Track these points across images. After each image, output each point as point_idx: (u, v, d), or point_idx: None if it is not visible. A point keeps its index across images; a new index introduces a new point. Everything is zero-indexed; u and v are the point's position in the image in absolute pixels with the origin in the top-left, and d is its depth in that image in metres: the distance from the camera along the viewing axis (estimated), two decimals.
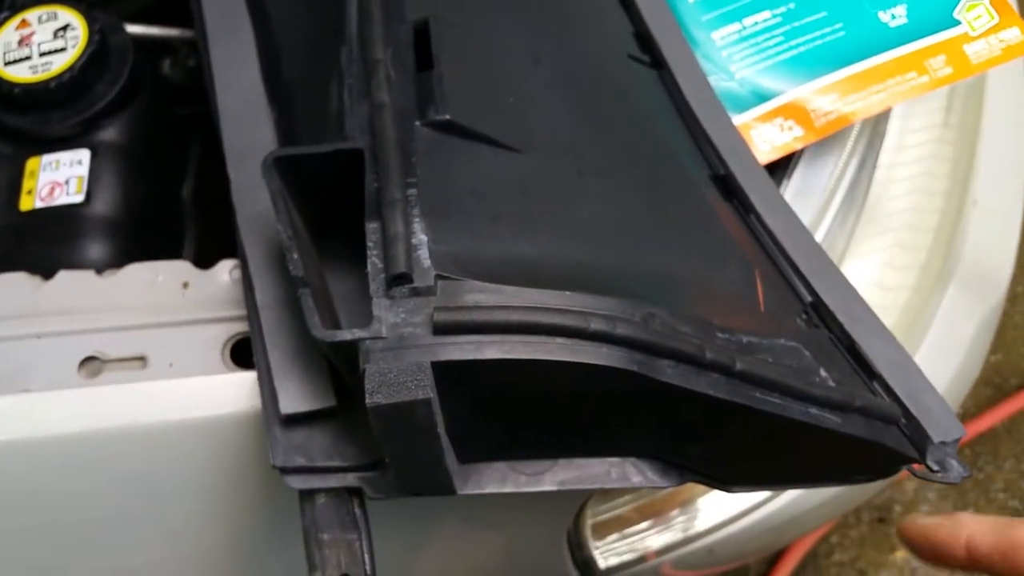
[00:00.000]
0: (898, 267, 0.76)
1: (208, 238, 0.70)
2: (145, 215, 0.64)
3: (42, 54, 0.62)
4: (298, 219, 0.43)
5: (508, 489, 0.44)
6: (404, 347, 0.37)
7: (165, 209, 0.68)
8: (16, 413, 0.49)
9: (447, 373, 0.37)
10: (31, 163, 0.62)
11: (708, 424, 0.42)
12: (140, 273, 0.55)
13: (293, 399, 0.43)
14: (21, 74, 0.61)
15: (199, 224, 0.71)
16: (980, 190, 0.87)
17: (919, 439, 0.45)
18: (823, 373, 0.44)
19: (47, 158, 0.62)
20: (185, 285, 0.55)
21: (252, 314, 0.45)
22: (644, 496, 0.70)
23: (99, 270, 0.55)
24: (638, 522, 0.71)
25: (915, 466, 0.45)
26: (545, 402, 0.41)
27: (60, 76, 0.61)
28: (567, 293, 0.39)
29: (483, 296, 0.38)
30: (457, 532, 0.59)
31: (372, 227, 0.39)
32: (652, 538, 0.71)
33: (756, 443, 0.44)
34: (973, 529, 0.39)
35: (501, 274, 0.39)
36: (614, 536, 0.70)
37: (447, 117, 0.43)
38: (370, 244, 0.39)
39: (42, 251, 0.59)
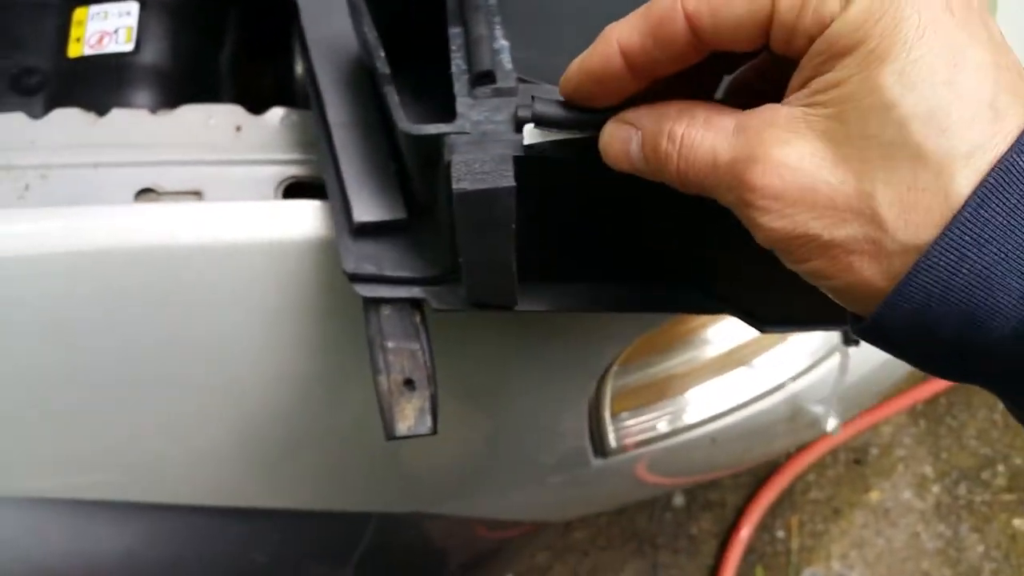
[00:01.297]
0: None
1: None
2: (190, 70, 0.65)
3: None
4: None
5: (564, 308, 0.46)
6: (488, 141, 0.38)
7: (206, 69, 0.69)
8: (79, 225, 0.49)
9: (522, 171, 0.39)
10: (79, 12, 0.63)
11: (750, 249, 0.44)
12: (193, 113, 0.56)
13: (366, 209, 0.44)
14: None
15: (235, 92, 0.72)
16: None
17: None
18: None
19: (95, 8, 0.63)
20: (238, 128, 0.56)
21: (322, 134, 0.47)
22: (659, 374, 0.73)
23: (152, 110, 0.56)
24: (647, 404, 0.74)
25: None
26: (603, 214, 0.43)
27: None
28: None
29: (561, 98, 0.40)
30: (488, 386, 0.61)
31: (455, 32, 0.41)
32: (655, 422, 0.74)
33: (790, 277, 0.46)
34: (618, 33, 0.34)
35: None
36: (624, 415, 0.73)
37: None
38: (453, 48, 0.41)
39: (92, 95, 0.60)
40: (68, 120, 0.55)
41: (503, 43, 0.41)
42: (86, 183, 0.53)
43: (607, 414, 0.69)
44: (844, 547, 1.44)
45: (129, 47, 0.61)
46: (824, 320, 0.51)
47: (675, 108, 0.34)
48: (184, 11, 0.65)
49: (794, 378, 0.80)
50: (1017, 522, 1.44)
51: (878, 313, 0.31)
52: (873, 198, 0.30)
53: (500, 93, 0.39)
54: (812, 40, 0.31)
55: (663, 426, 0.77)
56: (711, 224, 0.43)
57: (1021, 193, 0.28)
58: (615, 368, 0.66)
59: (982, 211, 0.28)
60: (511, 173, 0.38)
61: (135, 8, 0.63)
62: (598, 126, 0.36)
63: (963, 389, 1.52)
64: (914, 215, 0.29)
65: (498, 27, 0.41)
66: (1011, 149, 0.28)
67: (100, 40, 0.62)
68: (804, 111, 0.31)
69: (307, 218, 0.49)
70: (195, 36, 0.66)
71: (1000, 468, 1.47)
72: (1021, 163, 0.28)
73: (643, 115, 0.35)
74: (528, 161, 0.39)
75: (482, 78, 0.39)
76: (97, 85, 0.61)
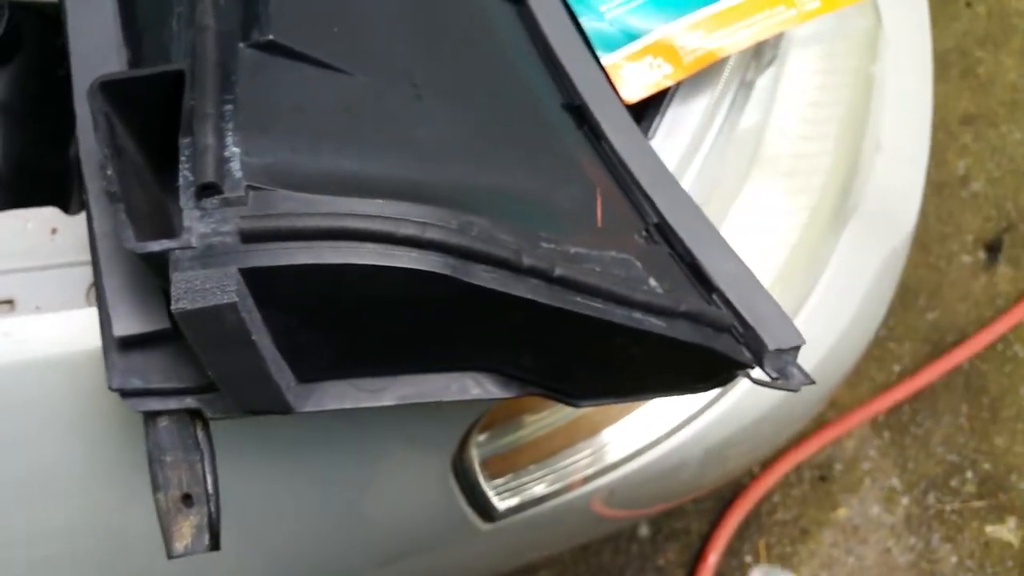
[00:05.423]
0: (788, 207, 0.77)
1: None
2: (30, 170, 0.64)
3: None
4: (130, 144, 0.43)
5: (348, 405, 0.45)
6: (212, 255, 0.37)
7: (51, 167, 0.68)
8: None
9: (262, 281, 0.38)
10: None
11: (536, 331, 0.43)
12: (9, 220, 0.55)
13: (127, 322, 0.43)
14: None
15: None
16: (885, 136, 0.89)
17: (756, 347, 0.46)
18: (652, 283, 0.45)
19: None
20: (54, 231, 0.55)
21: (92, 243, 0.46)
22: (539, 431, 0.71)
23: None
24: (536, 460, 0.72)
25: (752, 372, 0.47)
26: (370, 312, 0.42)
27: None
28: (380, 201, 0.39)
29: (295, 205, 0.39)
30: (328, 470, 0.60)
31: (185, 142, 0.40)
32: (548, 477, 0.72)
33: (588, 352, 0.45)
34: None
35: (321, 186, 0.40)
36: (510, 475, 0.71)
37: (270, 38, 0.44)
38: (183, 159, 0.40)
39: None
40: None
41: (234, 151, 0.39)
42: None
43: (481, 479, 0.67)
44: (814, 568, 1.41)
45: None
46: (638, 392, 0.50)
47: None
48: (24, 111, 0.65)
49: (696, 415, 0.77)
50: (990, 529, 1.41)
51: None
52: None
53: (228, 203, 0.38)
54: None
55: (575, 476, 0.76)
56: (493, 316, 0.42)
57: None
58: (479, 437, 0.64)
59: None
60: (233, 288, 0.36)
61: None
62: None
63: (927, 395, 1.50)
64: None
65: (230, 135, 0.40)
66: None
67: None
68: None
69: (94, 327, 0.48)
70: (35, 135, 0.66)
71: (969, 475, 1.44)
72: None
73: None
74: (273, 271, 0.38)
75: (207, 189, 0.38)
76: None
